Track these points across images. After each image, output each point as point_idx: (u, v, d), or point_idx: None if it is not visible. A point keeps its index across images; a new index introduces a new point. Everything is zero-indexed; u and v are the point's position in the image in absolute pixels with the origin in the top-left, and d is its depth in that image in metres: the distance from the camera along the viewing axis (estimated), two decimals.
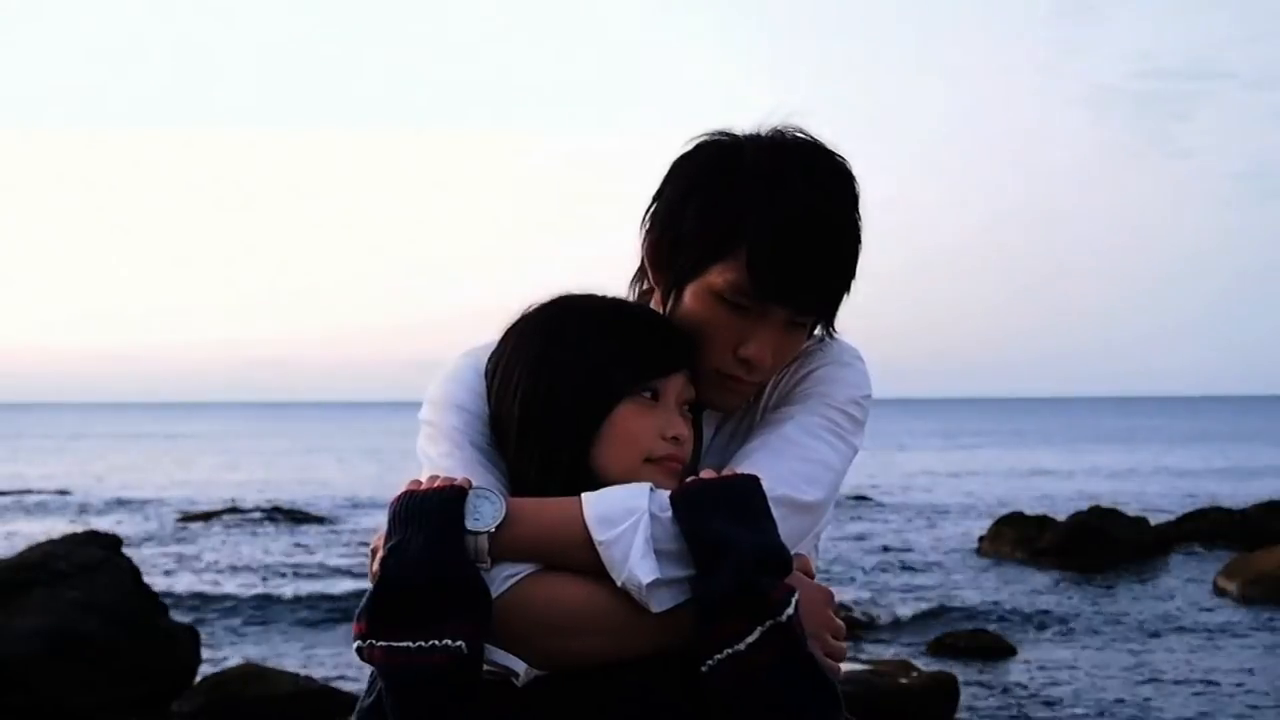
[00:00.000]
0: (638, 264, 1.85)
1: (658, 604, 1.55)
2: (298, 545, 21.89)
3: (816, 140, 1.76)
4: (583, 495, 1.60)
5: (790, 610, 1.52)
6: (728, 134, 1.77)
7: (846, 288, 1.77)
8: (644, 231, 1.80)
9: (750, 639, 1.51)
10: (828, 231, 1.70)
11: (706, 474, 1.61)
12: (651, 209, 1.79)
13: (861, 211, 1.76)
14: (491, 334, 1.80)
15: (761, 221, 1.67)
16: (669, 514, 1.57)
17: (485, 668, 1.55)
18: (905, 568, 18.87)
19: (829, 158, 1.75)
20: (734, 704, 1.52)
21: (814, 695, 1.53)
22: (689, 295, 1.74)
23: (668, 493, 1.60)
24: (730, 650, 1.51)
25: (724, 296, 1.71)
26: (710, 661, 1.52)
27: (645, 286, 1.85)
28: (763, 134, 1.76)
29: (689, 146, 1.78)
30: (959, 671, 11.09)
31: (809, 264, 1.69)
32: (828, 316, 1.80)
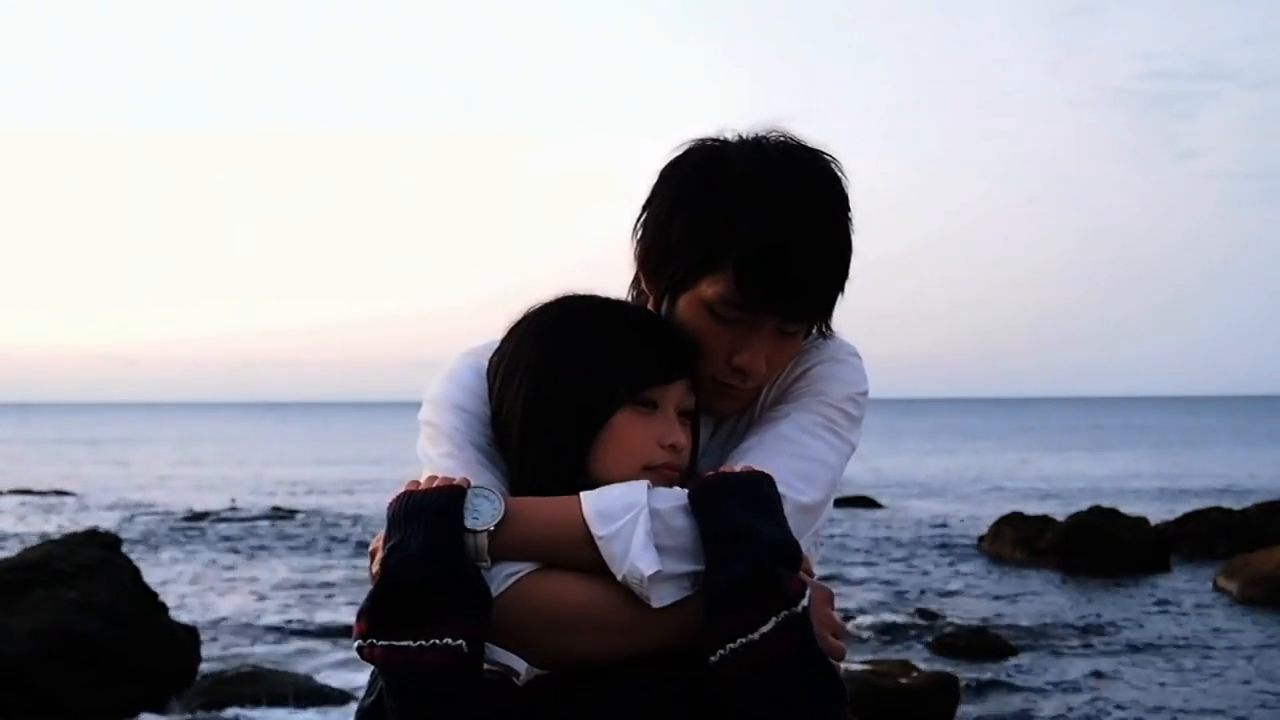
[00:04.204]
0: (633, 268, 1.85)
1: (658, 598, 1.55)
2: (297, 545, 21.88)
3: (802, 143, 1.75)
4: (582, 493, 1.60)
5: (805, 603, 1.52)
6: (714, 140, 1.76)
7: (838, 292, 1.76)
8: (635, 239, 1.79)
9: (765, 629, 1.50)
10: (814, 241, 1.69)
11: (725, 468, 1.62)
12: (642, 217, 1.78)
13: (851, 212, 1.74)
14: (492, 333, 1.80)
15: (747, 235, 1.66)
16: (668, 509, 1.57)
17: (486, 667, 1.55)
18: (905, 567, 18.86)
19: (815, 161, 1.74)
20: (744, 695, 1.52)
21: (824, 689, 1.53)
22: (681, 305, 1.73)
23: (667, 489, 1.61)
24: (744, 640, 1.50)
25: (714, 309, 1.70)
26: (722, 651, 1.51)
27: (644, 287, 1.85)
28: (748, 139, 1.74)
29: (676, 153, 1.77)
30: (959, 671, 11.09)
31: (797, 275, 1.68)
32: (821, 321, 1.80)
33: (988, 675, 11.52)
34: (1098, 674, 11.76)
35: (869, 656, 11.66)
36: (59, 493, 33.50)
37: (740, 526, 1.54)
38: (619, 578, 1.56)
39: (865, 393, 1.83)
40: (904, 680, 9.60)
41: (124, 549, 11.37)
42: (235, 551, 21.14)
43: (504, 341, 1.76)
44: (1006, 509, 23.79)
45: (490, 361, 1.76)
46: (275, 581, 17.78)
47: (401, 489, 1.62)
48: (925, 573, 18.26)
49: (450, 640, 1.51)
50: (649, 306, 1.80)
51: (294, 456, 53.24)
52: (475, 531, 1.57)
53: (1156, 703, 10.73)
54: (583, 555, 1.57)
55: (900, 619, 14.56)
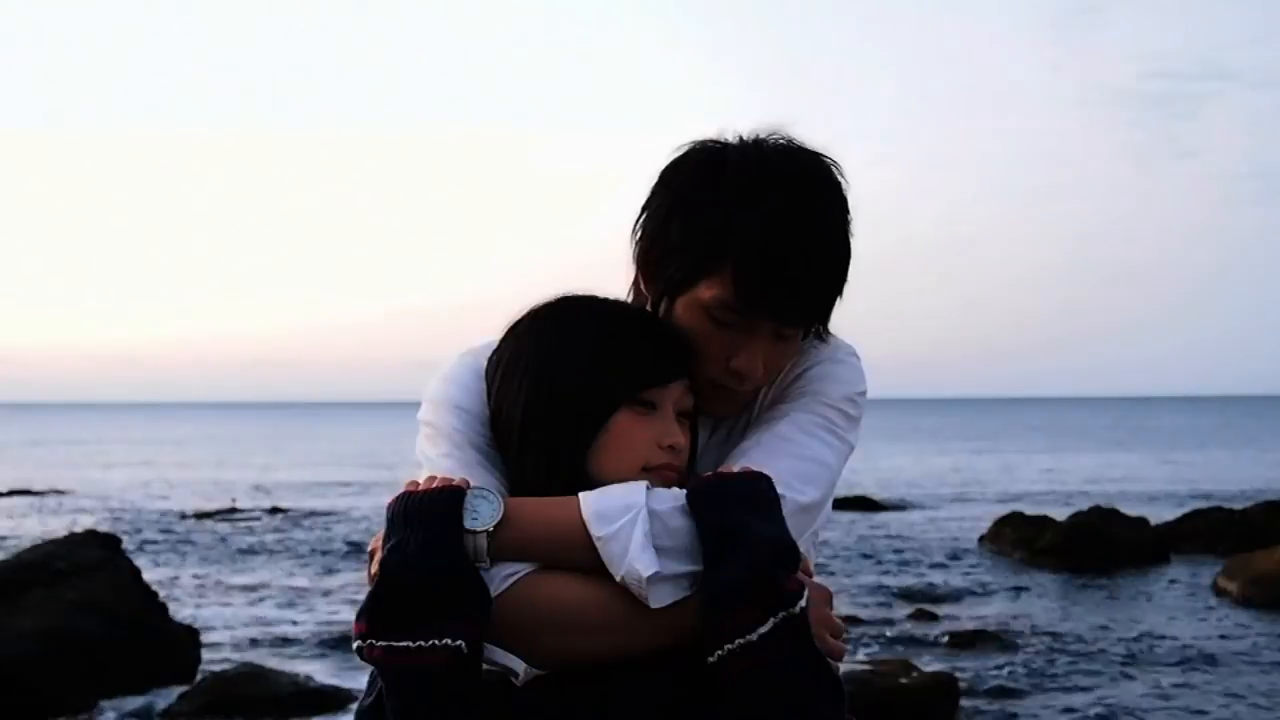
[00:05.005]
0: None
1: (656, 599, 1.56)
2: (298, 545, 21.88)
3: (802, 146, 1.75)
4: (581, 494, 1.60)
5: (803, 603, 1.52)
6: (714, 142, 1.76)
7: (836, 296, 1.76)
8: (634, 240, 1.80)
9: (763, 629, 1.50)
10: (812, 245, 1.69)
11: (724, 468, 1.62)
12: (641, 218, 1.78)
13: (850, 215, 1.74)
14: (491, 333, 1.80)
15: (745, 239, 1.67)
16: (667, 510, 1.57)
17: (485, 667, 1.56)
18: (905, 567, 18.86)
19: (814, 164, 1.74)
20: (742, 696, 1.52)
21: (822, 690, 1.54)
22: (680, 307, 1.73)
23: (665, 490, 1.61)
24: (742, 640, 1.50)
25: (712, 311, 1.70)
26: (720, 652, 1.52)
27: (643, 288, 1.85)
28: (748, 141, 1.74)
29: (676, 154, 1.77)
30: (959, 671, 11.09)
31: (794, 279, 1.68)
32: (819, 324, 1.80)
33: (988, 675, 11.52)
34: (1097, 674, 11.75)
35: (869, 656, 11.66)
36: (59, 492, 33.51)
37: (738, 527, 1.54)
38: (618, 578, 1.56)
39: (864, 393, 1.83)
40: (904, 680, 9.59)
41: (124, 549, 11.37)
42: (235, 551, 21.13)
43: (503, 341, 1.76)
44: (1006, 509, 23.79)
45: (489, 361, 1.76)
46: (275, 581, 17.77)
47: (401, 489, 1.62)
48: (925, 573, 18.25)
49: (449, 641, 1.51)
50: (648, 308, 1.80)
51: (294, 456, 53.22)
52: (474, 532, 1.57)
53: (1156, 703, 10.72)
54: (581, 556, 1.57)
55: (900, 619, 14.55)
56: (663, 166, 1.78)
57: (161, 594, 11.40)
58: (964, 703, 10.17)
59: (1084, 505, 21.26)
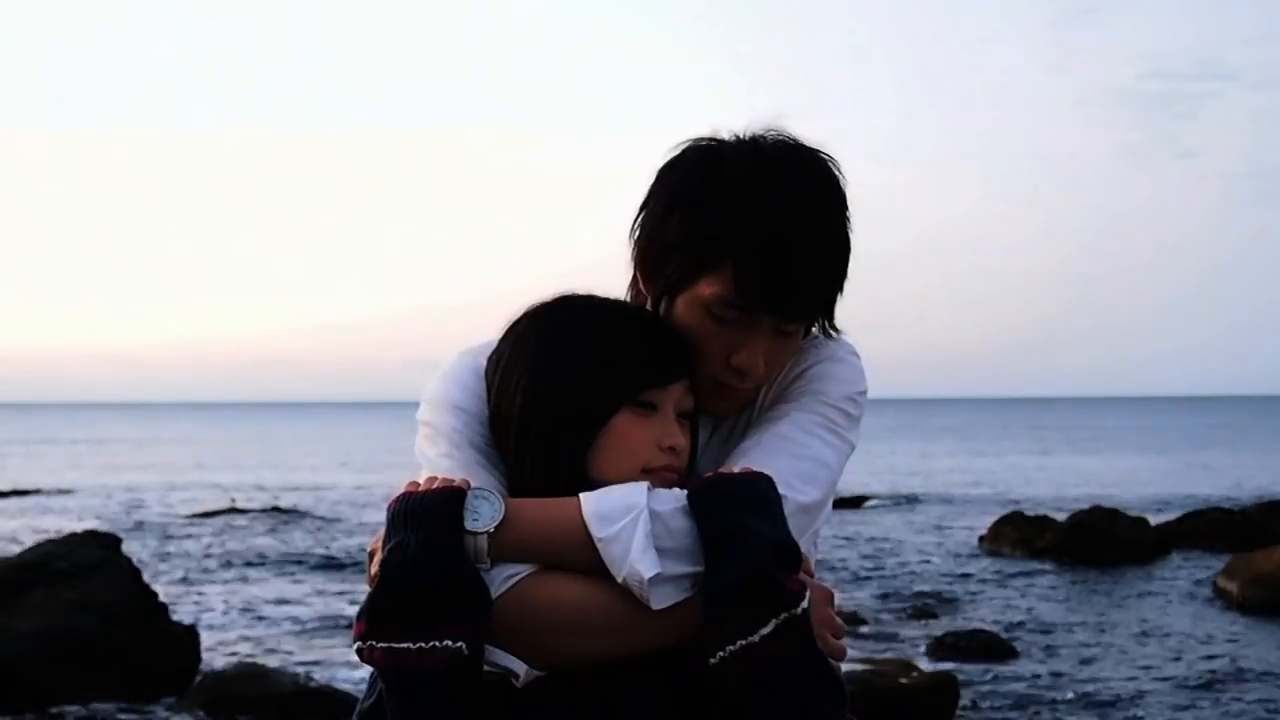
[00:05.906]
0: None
1: (658, 600, 1.55)
2: (298, 545, 21.89)
3: (799, 142, 1.75)
4: (581, 494, 1.60)
5: (805, 604, 1.52)
6: (710, 139, 1.76)
7: (837, 291, 1.76)
8: (633, 239, 1.79)
9: (764, 630, 1.50)
10: (811, 239, 1.68)
11: (724, 469, 1.62)
12: (639, 217, 1.78)
13: (849, 210, 1.74)
14: (491, 333, 1.79)
15: (744, 234, 1.66)
16: (668, 511, 1.57)
17: (485, 668, 1.55)
18: (905, 567, 18.86)
19: (812, 160, 1.73)
20: (743, 698, 1.52)
21: (824, 691, 1.54)
22: (679, 305, 1.73)
23: (666, 490, 1.60)
24: (743, 641, 1.50)
25: (712, 309, 1.70)
26: (721, 653, 1.51)
27: (641, 287, 1.84)
28: (745, 139, 1.74)
29: (673, 153, 1.77)
30: (959, 671, 11.09)
31: (794, 274, 1.68)
32: (820, 320, 1.80)
33: (988, 675, 11.52)
34: (1098, 674, 11.76)
35: (869, 656, 11.66)
36: (59, 492, 33.52)
37: (739, 527, 1.53)
38: (619, 579, 1.56)
39: (864, 392, 1.82)
40: (904, 680, 9.59)
41: (124, 549, 11.37)
42: (235, 551, 21.14)
43: (502, 341, 1.75)
44: (1007, 509, 23.79)
45: (488, 361, 1.76)
46: (275, 581, 17.78)
47: (401, 490, 1.61)
48: (925, 573, 18.25)
49: (450, 642, 1.51)
50: (647, 307, 1.80)
51: (294, 456, 53.22)
52: (475, 533, 1.57)
53: (1156, 703, 10.73)
54: (582, 557, 1.57)
55: (900, 619, 14.55)
56: (659, 165, 1.78)
57: (161, 594, 11.40)
58: (964, 703, 10.17)
59: (1084, 505, 21.26)
